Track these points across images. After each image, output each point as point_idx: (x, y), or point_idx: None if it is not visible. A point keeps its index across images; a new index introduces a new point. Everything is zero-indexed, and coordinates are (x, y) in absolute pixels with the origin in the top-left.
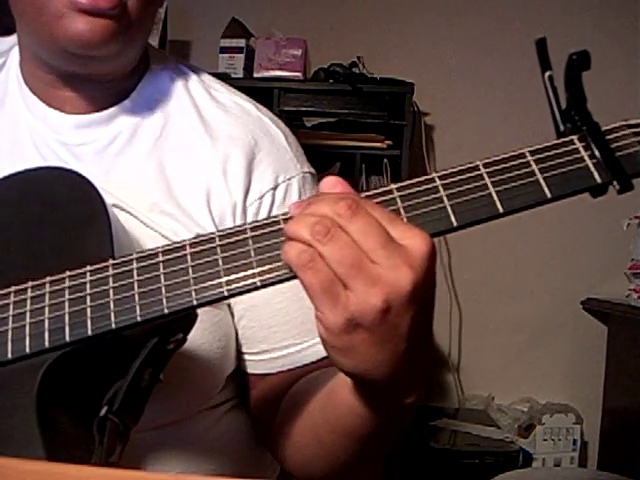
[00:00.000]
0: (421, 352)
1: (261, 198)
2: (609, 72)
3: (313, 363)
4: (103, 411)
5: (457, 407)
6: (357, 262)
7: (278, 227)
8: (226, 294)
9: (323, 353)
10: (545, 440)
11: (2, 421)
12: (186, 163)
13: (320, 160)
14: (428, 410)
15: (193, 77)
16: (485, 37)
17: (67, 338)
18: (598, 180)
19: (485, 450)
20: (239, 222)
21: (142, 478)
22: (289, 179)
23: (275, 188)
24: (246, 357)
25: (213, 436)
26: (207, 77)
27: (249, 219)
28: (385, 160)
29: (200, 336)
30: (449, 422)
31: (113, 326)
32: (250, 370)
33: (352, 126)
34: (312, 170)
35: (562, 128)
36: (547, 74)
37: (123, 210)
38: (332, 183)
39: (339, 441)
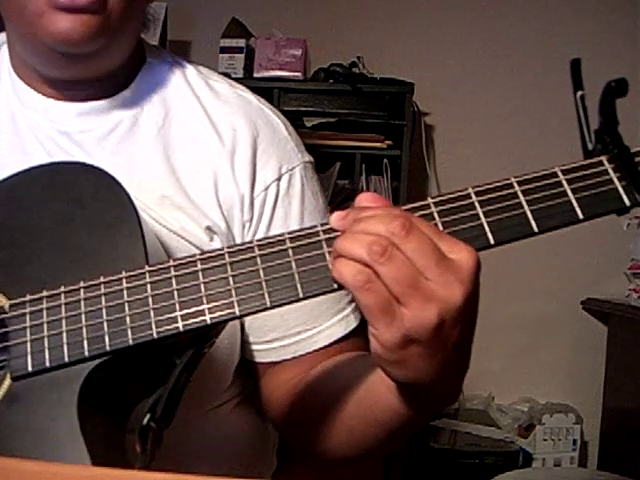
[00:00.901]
0: (465, 358)
1: (266, 189)
2: (609, 73)
3: (324, 348)
4: (146, 419)
5: (457, 407)
6: (413, 280)
7: (317, 239)
8: (269, 305)
9: (333, 337)
10: (545, 440)
11: (45, 431)
12: (192, 153)
13: (320, 160)
14: None
15: (191, 69)
16: (485, 37)
17: (107, 347)
18: (627, 203)
19: (485, 450)
20: (247, 214)
21: (141, 478)
22: (292, 169)
23: (279, 179)
24: (254, 347)
25: (220, 433)
26: (204, 69)
27: (256, 210)
28: (385, 160)
29: None
30: (449, 422)
31: (155, 335)
32: (260, 359)
33: (352, 126)
34: (311, 159)
35: (591, 147)
36: (579, 94)
37: None
38: (371, 198)
39: (372, 432)
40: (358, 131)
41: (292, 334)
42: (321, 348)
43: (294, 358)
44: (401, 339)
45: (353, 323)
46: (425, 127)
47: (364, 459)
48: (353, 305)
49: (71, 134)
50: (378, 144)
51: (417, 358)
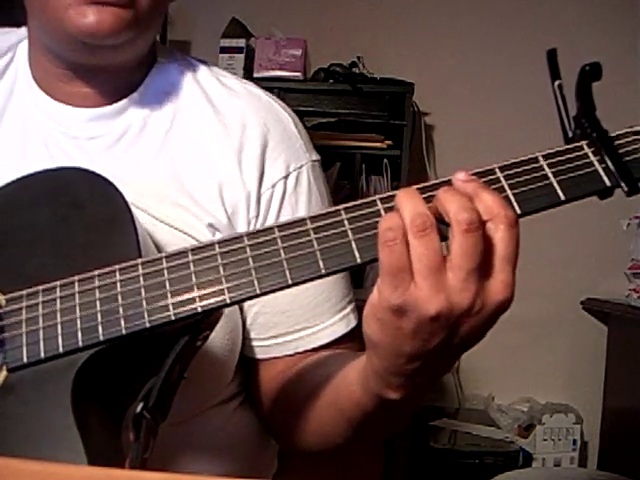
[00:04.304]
0: (439, 370)
1: (273, 187)
2: (609, 74)
3: (324, 346)
4: (139, 408)
5: (457, 407)
6: (435, 267)
7: (305, 227)
8: (259, 292)
9: (335, 335)
10: (545, 440)
11: (39, 420)
12: (198, 155)
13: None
14: (428, 410)
15: (201, 67)
16: (485, 37)
17: (101, 337)
18: (607, 183)
19: (485, 450)
20: (253, 211)
21: (141, 478)
22: (300, 167)
23: (287, 177)
24: (255, 343)
25: (225, 433)
26: (215, 68)
27: (262, 207)
28: (385, 160)
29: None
30: (449, 422)
31: (147, 324)
32: (260, 355)
33: (352, 126)
34: (319, 157)
35: (570, 134)
36: (557, 83)
37: (135, 206)
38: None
39: (339, 424)
40: (358, 131)
41: (295, 330)
42: (322, 346)
43: (294, 354)
44: (395, 306)
45: (353, 322)
46: (425, 127)
47: (333, 451)
48: (353, 305)
49: (80, 139)
50: (378, 144)
51: (398, 330)
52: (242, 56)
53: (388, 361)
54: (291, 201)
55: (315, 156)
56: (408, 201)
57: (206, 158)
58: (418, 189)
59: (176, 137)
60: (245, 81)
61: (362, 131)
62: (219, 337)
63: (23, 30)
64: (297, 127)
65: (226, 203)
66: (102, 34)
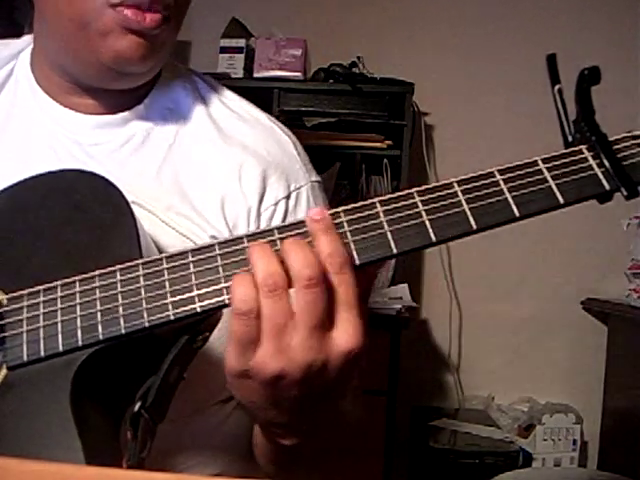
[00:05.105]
0: (322, 412)
1: (276, 205)
2: (608, 78)
3: None
4: (137, 406)
5: (457, 407)
6: (281, 327)
7: (303, 230)
8: None
9: None
10: (545, 440)
11: (38, 418)
12: (200, 170)
13: (320, 160)
14: (428, 410)
15: (205, 87)
16: (485, 37)
17: (100, 336)
18: (607, 187)
19: (485, 450)
20: (253, 226)
21: (142, 478)
22: (299, 188)
23: (288, 197)
24: None
25: (223, 432)
26: (218, 86)
27: (263, 223)
28: (385, 160)
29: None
30: (449, 422)
31: (146, 324)
32: None
33: (352, 126)
34: (319, 178)
35: (570, 138)
36: (557, 87)
37: (140, 207)
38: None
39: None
40: (358, 131)
41: None
42: None
43: None
44: (241, 371)
45: None
46: (425, 127)
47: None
48: None
49: (84, 145)
50: (378, 144)
51: (249, 390)
52: (242, 56)
53: (260, 415)
54: (290, 220)
55: (315, 177)
56: (260, 259)
57: (208, 172)
58: (330, 214)
59: (179, 152)
60: (245, 101)
61: (362, 131)
62: (222, 338)
63: (23, 40)
64: (297, 149)
65: (227, 217)
66: (133, 62)
